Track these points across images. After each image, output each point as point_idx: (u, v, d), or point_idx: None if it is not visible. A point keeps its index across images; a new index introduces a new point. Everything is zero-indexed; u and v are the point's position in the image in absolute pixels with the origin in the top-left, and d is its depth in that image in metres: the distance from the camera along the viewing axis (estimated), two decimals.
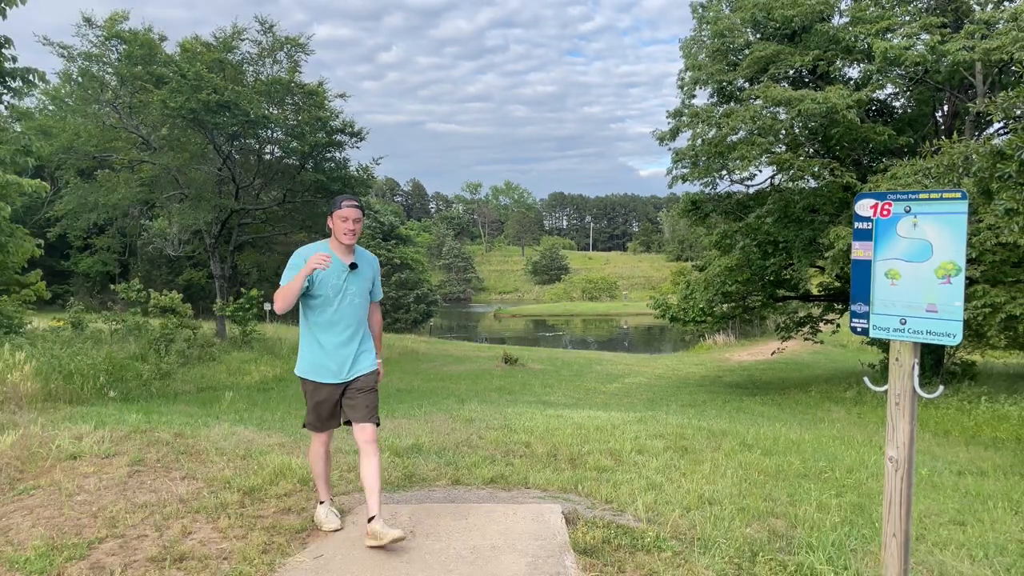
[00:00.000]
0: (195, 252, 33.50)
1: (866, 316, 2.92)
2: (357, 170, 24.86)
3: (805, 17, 14.49)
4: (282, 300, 3.60)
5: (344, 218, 3.63)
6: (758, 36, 15.90)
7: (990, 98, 11.91)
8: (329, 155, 23.74)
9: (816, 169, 13.90)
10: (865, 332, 2.93)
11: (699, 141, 15.54)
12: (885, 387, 2.88)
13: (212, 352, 16.15)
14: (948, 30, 13.34)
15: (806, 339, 19.06)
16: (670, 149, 16.48)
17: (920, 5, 14.76)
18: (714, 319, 17.07)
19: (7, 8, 11.01)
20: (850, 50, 14.42)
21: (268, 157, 24.42)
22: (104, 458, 5.08)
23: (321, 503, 3.99)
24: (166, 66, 19.74)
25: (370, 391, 3.79)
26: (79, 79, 21.38)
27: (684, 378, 20.48)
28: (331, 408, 3.80)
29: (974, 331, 11.35)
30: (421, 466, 5.22)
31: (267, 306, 26.43)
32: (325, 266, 3.51)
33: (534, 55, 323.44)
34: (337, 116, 22.89)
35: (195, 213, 21.46)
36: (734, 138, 14.78)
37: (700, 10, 17.28)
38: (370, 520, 3.52)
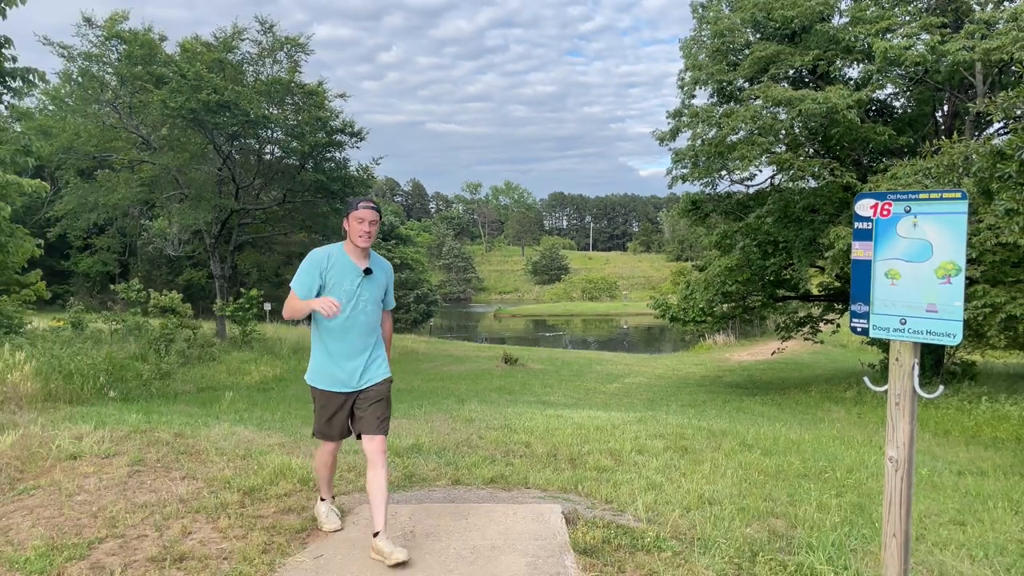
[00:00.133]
0: (195, 252, 33.51)
1: (866, 316, 2.92)
2: (357, 170, 24.87)
3: (805, 17, 14.48)
4: (289, 313, 3.55)
5: (360, 219, 3.51)
6: (758, 36, 15.90)
7: (990, 98, 11.91)
8: (329, 155, 23.74)
9: (816, 169, 13.90)
10: (865, 332, 2.93)
11: (699, 141, 15.54)
12: (885, 387, 2.88)
13: (212, 352, 16.14)
14: (948, 30, 13.33)
15: (806, 339, 19.06)
16: (670, 149, 16.50)
17: (920, 5, 14.75)
18: (714, 319, 17.06)
19: (7, 8, 11.01)
20: (850, 50, 14.42)
21: (268, 157, 24.42)
22: (104, 458, 5.08)
23: (322, 500, 3.95)
24: (166, 66, 19.75)
25: (382, 401, 3.66)
26: (79, 79, 21.38)
27: (684, 378, 20.48)
28: (342, 418, 3.67)
29: (974, 331, 11.35)
30: (421, 466, 5.22)
31: (267, 306, 26.47)
32: (330, 313, 3.37)
33: (534, 55, 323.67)
34: (337, 116, 22.90)
35: (195, 213, 21.46)
36: (734, 138, 14.77)
37: (700, 10, 17.28)
38: (375, 535, 3.47)
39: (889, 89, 15.35)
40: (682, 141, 16.41)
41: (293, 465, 4.98)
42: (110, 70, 21.04)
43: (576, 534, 3.76)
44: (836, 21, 15.25)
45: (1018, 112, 11.47)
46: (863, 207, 2.91)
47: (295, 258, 39.99)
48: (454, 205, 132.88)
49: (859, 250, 2.92)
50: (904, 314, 2.78)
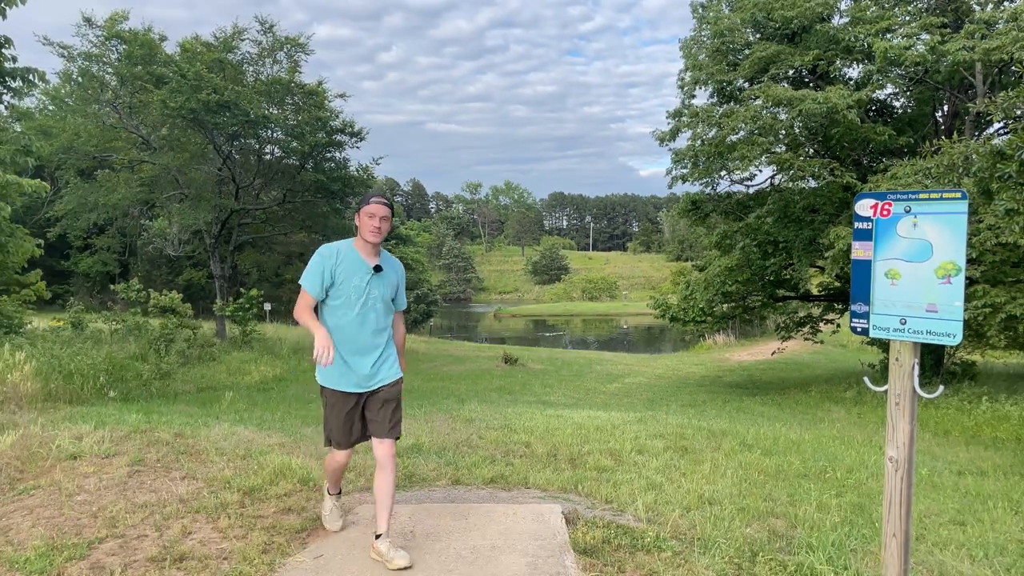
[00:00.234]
0: (195, 252, 33.50)
1: (866, 316, 2.92)
2: (357, 170, 24.87)
3: (805, 18, 14.48)
4: (298, 314, 3.48)
5: (371, 215, 3.44)
6: (758, 36, 15.89)
7: (990, 98, 11.91)
8: (329, 155, 23.74)
9: (816, 169, 13.90)
10: (865, 332, 2.93)
11: (699, 141, 15.54)
12: (885, 387, 2.88)
13: (212, 352, 16.14)
14: (948, 30, 13.33)
15: (806, 339, 19.06)
16: (670, 149, 16.50)
17: (920, 5, 14.75)
18: (714, 319, 17.06)
19: (7, 8, 11.01)
20: (850, 50, 14.42)
21: (268, 157, 24.43)
22: (104, 458, 5.08)
23: (330, 494, 3.88)
24: (166, 66, 19.75)
25: (394, 403, 3.57)
26: (79, 79, 21.39)
27: (684, 378, 20.48)
28: (354, 420, 3.56)
29: (974, 331, 11.34)
30: (421, 466, 5.22)
31: (267, 306, 26.48)
32: (326, 360, 3.28)
33: (534, 55, 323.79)
34: (337, 116, 22.90)
35: (195, 213, 21.46)
36: (734, 138, 14.77)
37: (700, 10, 17.28)
38: (377, 537, 3.46)
39: (889, 89, 15.35)
40: (682, 141, 16.43)
41: (293, 465, 4.98)
42: (110, 70, 21.04)
43: (576, 534, 3.76)
44: (836, 21, 15.25)
45: (1018, 112, 11.47)
46: (863, 207, 2.91)
47: (295, 258, 40.05)
48: (454, 205, 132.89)
49: (859, 250, 2.92)
50: (904, 314, 2.78)
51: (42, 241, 14.90)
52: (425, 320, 43.02)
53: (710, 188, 17.10)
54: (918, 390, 2.77)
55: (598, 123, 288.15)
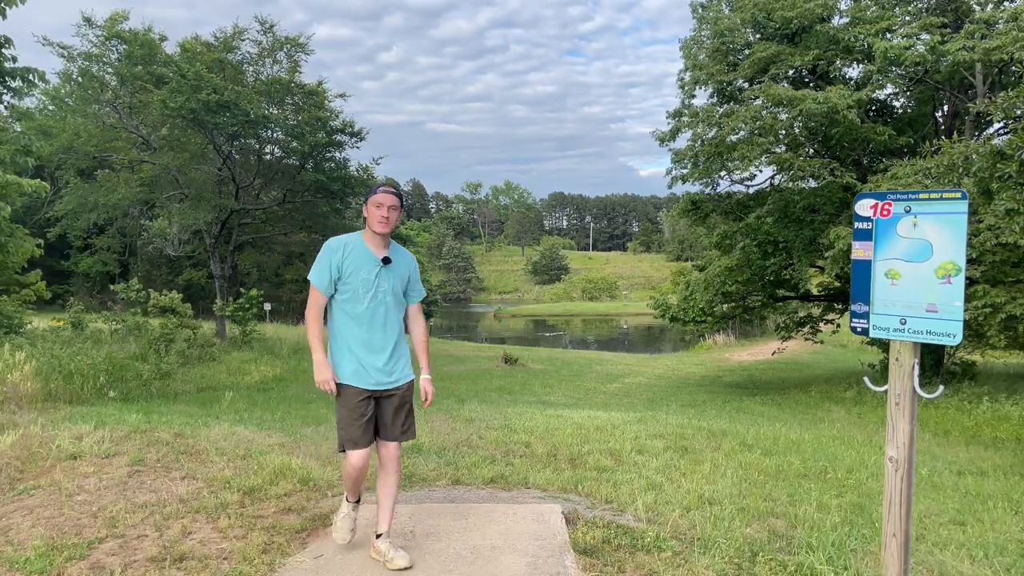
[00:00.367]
0: (195, 252, 33.51)
1: (866, 316, 2.92)
2: (357, 170, 24.87)
3: (804, 18, 14.48)
4: (308, 319, 3.42)
5: (379, 204, 3.34)
6: (758, 36, 15.89)
7: (990, 98, 11.91)
8: (329, 155, 23.74)
9: (816, 169, 13.90)
10: (865, 332, 2.93)
11: (699, 142, 15.54)
12: (885, 387, 2.88)
13: (212, 352, 16.14)
14: (948, 30, 13.33)
15: (806, 339, 19.05)
16: (670, 149, 16.49)
17: (920, 5, 14.75)
18: (714, 319, 17.06)
19: (7, 8, 11.02)
20: (850, 50, 14.43)
21: (268, 157, 24.43)
22: (104, 458, 5.08)
23: (348, 501, 3.60)
24: (166, 66, 19.75)
25: (408, 405, 3.51)
26: (79, 79, 21.39)
27: (684, 378, 20.48)
28: (369, 416, 3.39)
29: (974, 331, 11.34)
30: (421, 466, 5.22)
31: (267, 306, 26.47)
32: (326, 389, 3.29)
33: (534, 55, 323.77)
34: (337, 116, 22.90)
35: (195, 213, 21.46)
36: (734, 138, 14.77)
37: (700, 10, 17.27)
38: (377, 537, 3.45)
39: (889, 89, 15.35)
40: (682, 141, 16.43)
41: (293, 465, 4.98)
42: (110, 70, 21.04)
43: (576, 534, 3.76)
44: (836, 21, 15.25)
45: (1018, 112, 11.47)
46: (863, 207, 2.91)
47: (295, 258, 40.06)
48: (454, 205, 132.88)
49: (859, 250, 2.92)
50: (904, 314, 2.78)
51: (42, 241, 14.91)
52: (425, 320, 42.99)
53: (710, 188, 17.10)
54: (918, 390, 2.77)
55: (598, 123, 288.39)
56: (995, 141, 11.55)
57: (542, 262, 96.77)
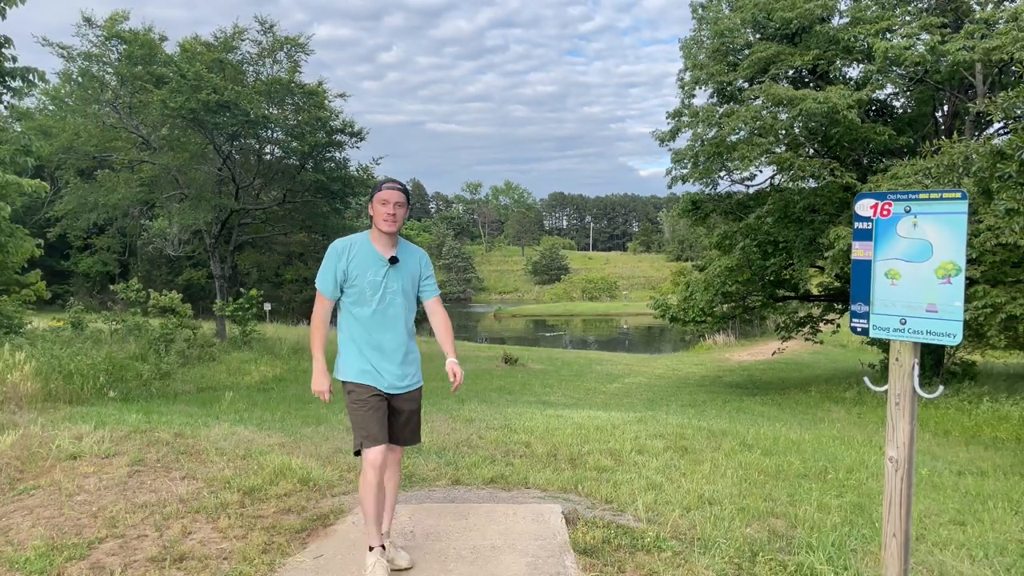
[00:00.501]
0: (195, 252, 33.51)
1: (866, 316, 2.92)
2: (357, 170, 24.86)
3: (804, 19, 14.48)
4: (313, 327, 3.36)
5: (384, 201, 3.21)
6: (758, 36, 15.89)
7: (990, 98, 11.91)
8: (329, 155, 23.72)
9: (816, 169, 13.90)
10: (865, 332, 2.93)
11: (699, 142, 15.53)
12: (885, 387, 2.88)
13: (212, 352, 16.14)
14: (948, 30, 13.33)
15: (806, 339, 19.05)
16: (670, 149, 16.49)
17: (920, 5, 14.75)
18: (714, 319, 17.06)
19: (7, 8, 11.01)
20: (850, 50, 14.43)
21: (268, 157, 24.42)
22: (104, 458, 5.08)
23: (371, 549, 3.22)
24: (166, 66, 19.74)
25: (416, 412, 3.42)
26: (79, 79, 21.37)
27: (684, 378, 20.47)
28: (384, 411, 3.26)
29: (974, 331, 11.34)
30: (421, 466, 5.22)
31: (267, 306, 26.48)
32: (325, 398, 3.25)
33: (534, 55, 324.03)
34: (337, 116, 22.88)
35: (195, 213, 21.45)
36: (734, 138, 14.77)
37: (700, 10, 17.27)
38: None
39: (889, 89, 15.35)
40: (682, 141, 16.43)
41: (293, 465, 4.98)
42: (110, 70, 21.02)
43: (576, 534, 3.76)
44: (836, 21, 15.25)
45: (1018, 112, 11.46)
46: (863, 207, 2.91)
47: (295, 258, 40.06)
48: (454, 205, 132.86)
49: (859, 250, 2.92)
50: (904, 314, 2.78)
51: (42, 241, 14.88)
52: (425, 320, 43.03)
53: (710, 188, 17.09)
54: (918, 390, 2.77)
55: (598, 123, 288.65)
56: (995, 141, 11.55)
57: (542, 262, 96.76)
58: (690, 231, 49.71)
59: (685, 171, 16.15)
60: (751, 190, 17.10)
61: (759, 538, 3.82)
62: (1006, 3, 13.85)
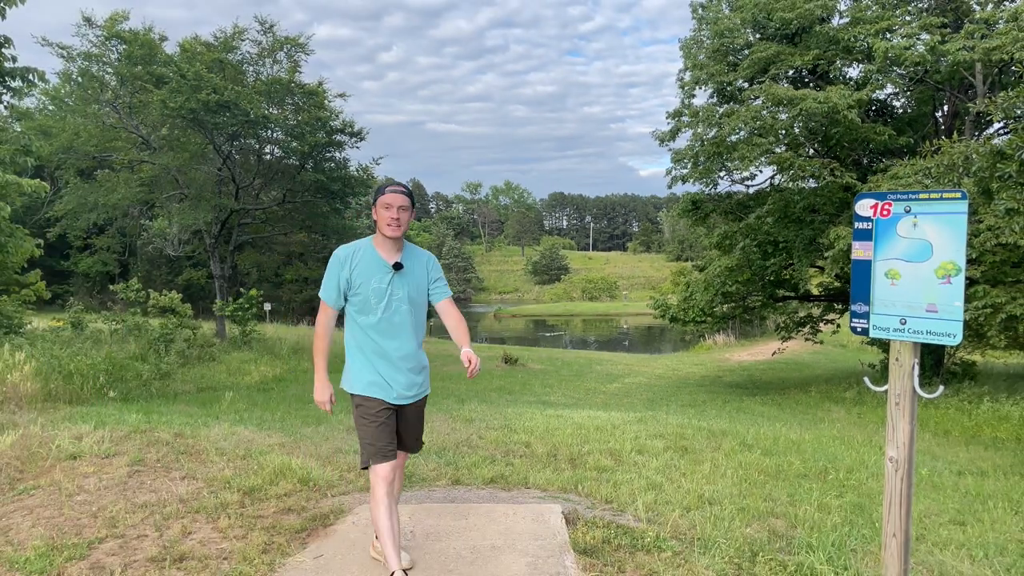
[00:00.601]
0: (195, 252, 33.51)
1: (866, 316, 2.91)
2: (357, 170, 24.86)
3: (804, 19, 14.48)
4: (316, 336, 3.27)
5: (387, 205, 3.08)
6: (758, 36, 15.89)
7: (990, 98, 11.91)
8: (329, 155, 23.73)
9: (816, 169, 13.90)
10: (865, 332, 2.93)
11: (699, 141, 15.53)
12: (885, 387, 2.88)
13: (212, 352, 16.14)
14: (948, 30, 13.33)
15: (806, 339, 19.05)
16: (670, 149, 16.48)
17: (920, 5, 14.75)
18: (714, 319, 17.06)
19: (7, 8, 11.01)
20: (850, 50, 14.43)
21: (268, 157, 24.42)
22: (104, 458, 5.08)
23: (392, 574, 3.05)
24: (166, 66, 19.74)
25: (422, 418, 3.41)
26: (79, 79, 21.37)
27: (684, 378, 20.47)
28: (393, 424, 3.18)
29: (974, 331, 11.34)
30: (421, 466, 5.22)
31: (267, 306, 26.47)
32: (326, 409, 3.21)
33: (534, 55, 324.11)
34: (337, 116, 22.89)
35: (195, 213, 21.45)
36: (734, 138, 14.77)
37: (700, 10, 17.26)
38: (378, 536, 3.41)
39: (889, 89, 15.35)
40: (682, 141, 16.42)
41: (293, 465, 4.98)
42: (110, 70, 21.03)
43: (576, 534, 3.76)
44: (836, 22, 15.25)
45: (1018, 112, 11.46)
46: (863, 207, 2.91)
47: (295, 258, 40.07)
48: (454, 205, 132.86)
49: (859, 250, 2.92)
50: (904, 314, 2.78)
51: (42, 241, 14.87)
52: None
53: (710, 188, 17.09)
54: (918, 390, 2.77)
55: (598, 123, 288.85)
56: (995, 141, 11.55)
57: (542, 262, 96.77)
58: (690, 231, 49.72)
59: (685, 171, 16.16)
60: (751, 190, 17.11)
61: (759, 538, 3.82)
62: (1006, 3, 13.85)
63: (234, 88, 19.60)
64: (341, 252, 3.19)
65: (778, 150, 14.99)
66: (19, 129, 20.73)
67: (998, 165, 10.48)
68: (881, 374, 14.67)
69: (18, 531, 3.79)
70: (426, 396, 3.38)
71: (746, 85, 15.97)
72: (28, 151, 13.49)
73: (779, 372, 21.18)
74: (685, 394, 15.84)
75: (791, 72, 15.74)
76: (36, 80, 12.91)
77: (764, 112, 14.20)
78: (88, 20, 20.02)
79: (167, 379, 12.37)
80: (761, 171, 15.78)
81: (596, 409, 10.47)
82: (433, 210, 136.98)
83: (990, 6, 14.02)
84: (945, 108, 15.57)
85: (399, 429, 3.25)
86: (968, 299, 10.75)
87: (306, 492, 4.52)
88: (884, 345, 15.43)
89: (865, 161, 15.84)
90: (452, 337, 3.33)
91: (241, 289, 21.97)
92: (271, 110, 21.91)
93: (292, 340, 20.72)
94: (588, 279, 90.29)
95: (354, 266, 3.15)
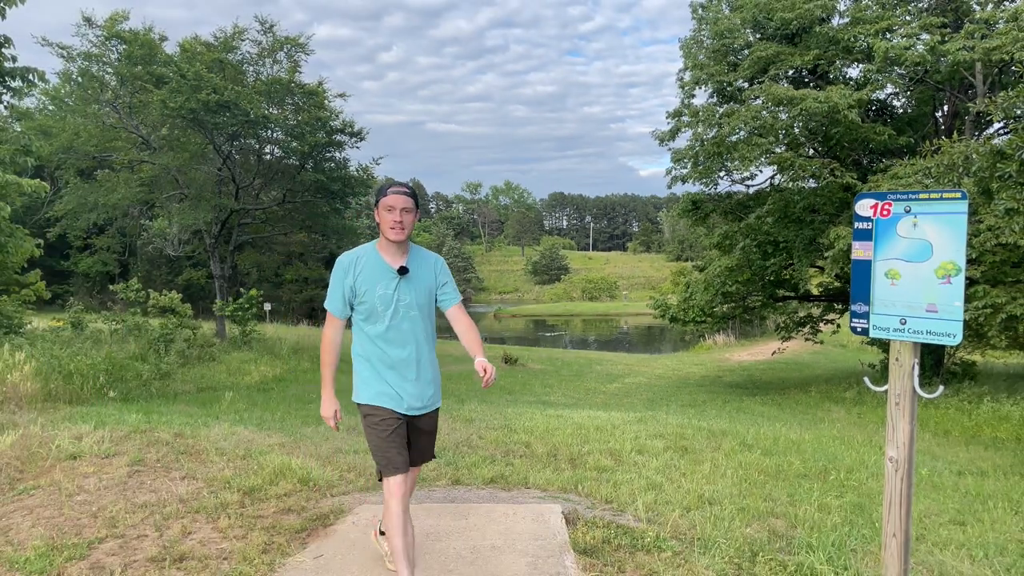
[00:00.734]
0: (195, 252, 33.50)
1: (866, 316, 2.91)
2: (357, 170, 24.86)
3: (804, 19, 14.48)
4: (322, 350, 3.14)
5: (389, 207, 2.93)
6: (758, 36, 15.89)
7: (990, 98, 11.91)
8: (329, 155, 23.72)
9: (816, 169, 13.90)
10: (865, 332, 2.93)
11: (699, 141, 15.53)
12: (885, 387, 2.88)
13: (212, 352, 16.14)
14: (948, 30, 13.33)
15: (806, 339, 19.05)
16: (670, 149, 16.49)
17: (920, 5, 14.75)
18: (714, 319, 17.06)
19: (7, 8, 11.01)
20: (850, 50, 14.43)
21: (268, 157, 24.41)
22: (104, 458, 5.08)
23: None
24: (166, 66, 19.73)
25: (433, 433, 3.25)
26: (79, 79, 21.36)
27: (684, 378, 20.47)
28: (404, 434, 3.06)
29: (974, 331, 11.34)
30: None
31: (267, 306, 26.47)
32: (331, 425, 3.06)
33: (534, 55, 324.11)
34: (337, 116, 22.88)
35: (195, 213, 21.45)
36: (734, 138, 14.77)
37: (700, 11, 17.27)
38: (382, 533, 3.38)
39: (889, 89, 15.36)
40: (682, 141, 16.43)
41: (293, 465, 4.98)
42: (110, 70, 21.02)
43: (576, 534, 3.76)
44: (836, 22, 15.25)
45: (1018, 112, 11.46)
46: (863, 207, 2.90)
47: (295, 258, 40.09)
48: (454, 205, 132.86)
49: (859, 250, 2.92)
50: (904, 314, 2.78)
51: (42, 241, 14.87)
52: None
53: (710, 188, 17.09)
54: (918, 390, 2.77)
55: (598, 123, 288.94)
56: (995, 141, 11.55)
57: (542, 262, 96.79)
58: (690, 231, 49.73)
59: (685, 171, 16.16)
60: (751, 190, 17.11)
61: (759, 538, 3.82)
62: (1006, 3, 13.85)
63: (234, 88, 19.59)
64: (344, 260, 3.06)
65: (778, 150, 14.99)
66: (19, 129, 20.74)
67: (998, 165, 10.48)
68: (881, 374, 14.67)
69: (18, 531, 3.79)
70: (438, 408, 3.22)
71: (746, 85, 15.97)
72: (28, 151, 13.49)
73: (779, 372, 21.18)
74: (685, 394, 15.84)
75: (791, 72, 15.74)
76: (36, 80, 12.91)
77: (764, 112, 14.20)
78: (88, 20, 20.01)
79: (167, 379, 12.37)
80: (761, 171, 15.79)
81: (596, 409, 10.47)
82: (433, 210, 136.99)
83: (990, 6, 14.02)
84: (945, 108, 15.57)
85: (411, 442, 3.12)
86: (968, 299, 10.75)
87: (306, 492, 4.52)
88: (884, 345, 15.43)
89: (865, 161, 15.84)
90: (464, 345, 3.20)
91: (241, 289, 21.97)
92: (271, 110, 21.90)
93: (292, 340, 20.72)
94: (588, 279, 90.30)
95: (358, 273, 3.02)
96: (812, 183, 14.92)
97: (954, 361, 14.91)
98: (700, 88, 16.55)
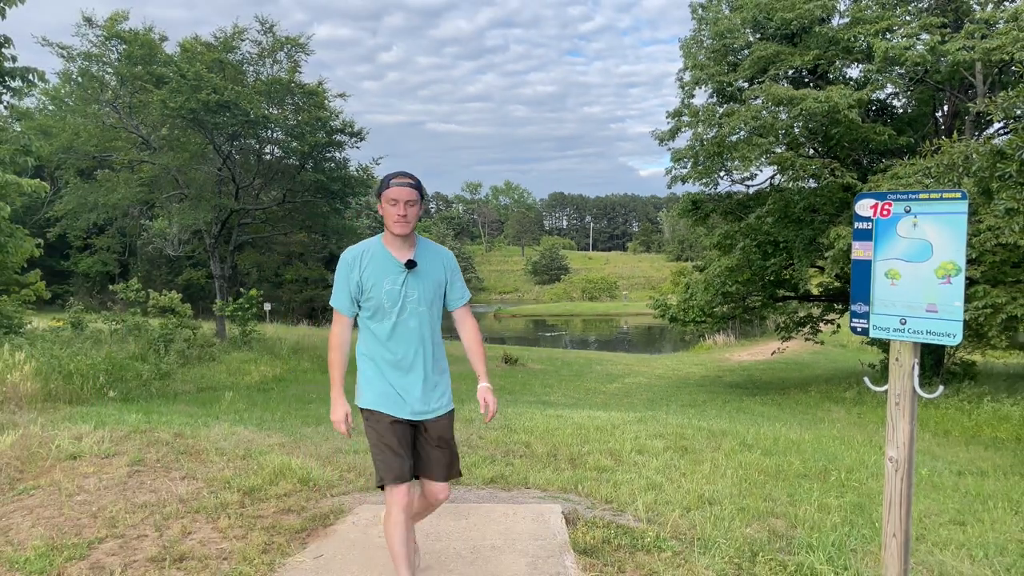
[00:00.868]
0: (195, 252, 33.50)
1: (866, 316, 2.91)
2: (357, 170, 24.87)
3: (804, 19, 14.49)
4: (329, 350, 2.99)
5: (393, 200, 2.78)
6: (758, 36, 15.90)
7: (990, 98, 11.91)
8: (329, 155, 23.73)
9: (816, 169, 13.90)
10: (865, 332, 2.93)
11: (699, 141, 15.54)
12: (885, 387, 2.88)
13: (212, 352, 16.14)
14: (948, 30, 13.34)
15: (806, 339, 19.05)
16: (670, 149, 16.50)
17: (920, 5, 14.76)
18: (714, 319, 17.06)
19: (7, 8, 11.02)
20: (850, 50, 14.43)
21: (268, 157, 24.41)
22: (104, 458, 5.08)
23: None
24: (166, 66, 19.73)
25: (448, 441, 2.99)
26: (79, 79, 21.37)
27: (684, 378, 20.47)
28: (408, 442, 2.89)
29: (974, 332, 11.34)
30: None
31: (267, 306, 26.47)
32: (340, 431, 2.89)
33: (534, 55, 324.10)
34: (337, 116, 22.88)
35: (195, 213, 21.45)
36: (734, 138, 14.78)
37: (700, 11, 17.27)
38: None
39: (889, 89, 15.36)
40: (682, 141, 16.43)
41: (293, 465, 4.98)
42: (110, 70, 21.02)
43: (576, 534, 3.76)
44: (836, 22, 15.26)
45: (1018, 112, 11.46)
46: (863, 207, 2.90)
47: (295, 258, 40.09)
48: (454, 205, 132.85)
49: (859, 250, 2.92)
50: (904, 314, 2.78)
51: (42, 241, 14.87)
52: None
53: (710, 188, 17.10)
54: (918, 390, 2.77)
55: (598, 123, 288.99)
56: (995, 141, 11.55)
57: (542, 262, 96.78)
58: (690, 231, 49.72)
59: (685, 171, 16.16)
60: (751, 190, 17.11)
61: (759, 538, 3.82)
62: (1006, 3, 13.86)
63: (234, 88, 19.60)
64: (349, 255, 2.92)
65: (778, 150, 14.99)
66: (19, 129, 20.74)
67: (998, 165, 10.48)
68: (881, 374, 14.67)
69: (18, 531, 3.79)
70: (451, 412, 3.03)
71: (746, 85, 15.97)
72: (28, 151, 13.50)
73: (779, 372, 21.18)
74: (685, 394, 15.84)
75: (791, 72, 15.74)
76: (36, 80, 12.92)
77: (764, 112, 14.21)
78: (88, 20, 20.01)
79: (167, 379, 12.37)
80: (761, 171, 15.80)
81: (596, 409, 10.47)
82: (433, 210, 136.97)
83: (990, 6, 14.03)
84: (945, 108, 15.58)
85: (423, 452, 2.94)
86: (968, 299, 10.75)
87: (306, 492, 4.52)
88: (884, 345, 15.43)
89: (865, 161, 15.84)
90: (468, 358, 3.06)
91: (241, 289, 21.96)
92: (271, 110, 21.90)
93: (292, 340, 20.72)
94: (588, 279, 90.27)
95: (364, 268, 2.88)
96: (812, 183, 14.92)
97: (954, 361, 14.91)
98: (700, 88, 16.56)
